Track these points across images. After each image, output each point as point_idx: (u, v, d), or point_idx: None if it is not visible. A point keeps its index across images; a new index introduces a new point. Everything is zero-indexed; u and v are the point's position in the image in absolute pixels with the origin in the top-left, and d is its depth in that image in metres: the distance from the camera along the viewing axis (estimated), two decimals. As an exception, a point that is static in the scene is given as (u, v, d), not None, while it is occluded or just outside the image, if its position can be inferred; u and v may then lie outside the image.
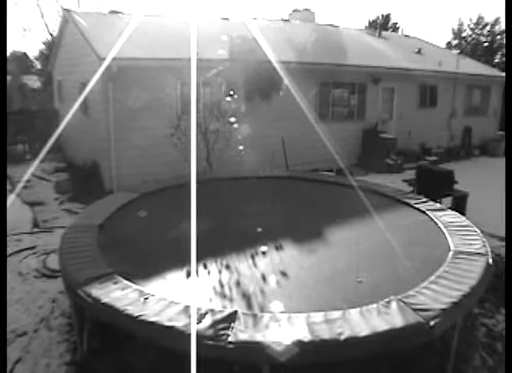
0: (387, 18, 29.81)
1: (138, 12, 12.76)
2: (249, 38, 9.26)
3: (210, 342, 2.69)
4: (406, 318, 2.92)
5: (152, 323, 2.87)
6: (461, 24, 29.37)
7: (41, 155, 9.73)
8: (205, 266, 3.99)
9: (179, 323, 2.85)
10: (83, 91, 9.31)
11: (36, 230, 7.01)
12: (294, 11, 16.27)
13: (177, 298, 3.22)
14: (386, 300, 3.15)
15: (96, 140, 9.52)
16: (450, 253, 4.04)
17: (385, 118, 12.81)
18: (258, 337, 2.72)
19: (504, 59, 22.88)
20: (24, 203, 8.31)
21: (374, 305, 3.09)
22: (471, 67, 15.79)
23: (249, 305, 3.32)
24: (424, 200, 5.81)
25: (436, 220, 5.02)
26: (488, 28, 28.19)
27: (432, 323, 2.89)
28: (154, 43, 9.17)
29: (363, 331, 2.78)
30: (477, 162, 13.70)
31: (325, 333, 2.76)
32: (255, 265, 4.11)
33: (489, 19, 29.88)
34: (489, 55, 26.52)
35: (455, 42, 29.24)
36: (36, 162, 9.84)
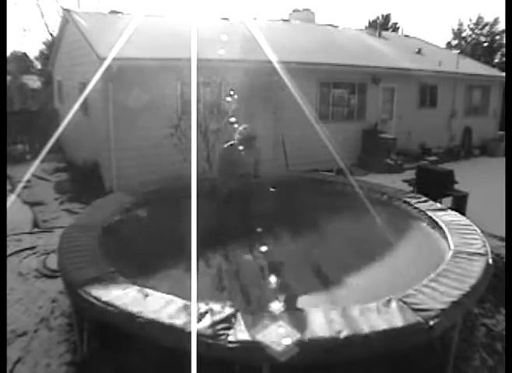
0: (387, 18, 29.83)
1: (138, 12, 12.77)
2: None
3: (210, 341, 2.70)
4: (406, 317, 2.92)
5: (152, 323, 2.88)
6: (460, 24, 29.43)
7: (41, 155, 9.74)
8: (206, 266, 3.99)
9: (179, 323, 2.85)
10: (83, 91, 9.31)
11: (36, 230, 7.00)
12: (294, 11, 16.30)
13: (177, 297, 3.22)
14: (385, 299, 3.15)
15: (96, 140, 9.52)
16: (450, 253, 4.04)
17: (385, 118, 12.80)
18: (258, 337, 2.72)
19: (504, 59, 22.88)
20: (24, 203, 8.31)
21: (374, 305, 3.09)
22: (471, 67, 15.78)
23: (249, 305, 3.33)
24: (424, 199, 5.81)
25: (436, 220, 5.02)
26: (488, 28, 28.22)
27: (431, 323, 2.89)
28: (154, 43, 9.16)
29: (363, 330, 2.78)
30: (477, 162, 13.68)
31: (325, 333, 2.76)
32: (255, 265, 4.11)
33: (488, 19, 29.92)
34: (489, 55, 26.53)
35: (455, 42, 29.27)
36: (36, 162, 9.84)
